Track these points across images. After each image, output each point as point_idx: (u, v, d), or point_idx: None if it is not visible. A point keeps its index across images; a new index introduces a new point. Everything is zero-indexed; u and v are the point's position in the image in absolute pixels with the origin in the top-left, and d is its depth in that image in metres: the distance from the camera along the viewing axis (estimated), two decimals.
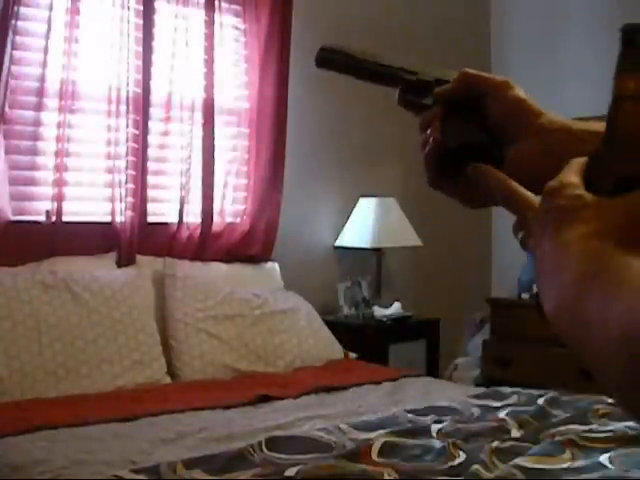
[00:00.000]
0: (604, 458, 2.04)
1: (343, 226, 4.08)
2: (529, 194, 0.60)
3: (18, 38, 3.09)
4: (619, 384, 0.45)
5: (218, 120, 3.63)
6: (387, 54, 0.77)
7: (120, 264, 3.30)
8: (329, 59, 0.77)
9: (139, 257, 3.35)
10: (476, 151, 0.69)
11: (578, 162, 0.56)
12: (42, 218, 3.17)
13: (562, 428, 2.31)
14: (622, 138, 0.53)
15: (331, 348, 3.44)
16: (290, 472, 1.91)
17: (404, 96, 0.76)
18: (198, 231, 3.56)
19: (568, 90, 4.35)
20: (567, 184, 0.54)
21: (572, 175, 0.55)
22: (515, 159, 0.70)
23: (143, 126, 3.39)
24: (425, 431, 2.28)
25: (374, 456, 2.06)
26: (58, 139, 3.19)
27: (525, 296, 4.18)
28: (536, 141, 0.70)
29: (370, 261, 4.16)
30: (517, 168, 0.68)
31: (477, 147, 0.70)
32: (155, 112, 3.46)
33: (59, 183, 3.20)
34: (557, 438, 2.20)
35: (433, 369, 3.98)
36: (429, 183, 0.73)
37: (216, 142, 3.59)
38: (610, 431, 2.24)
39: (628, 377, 0.43)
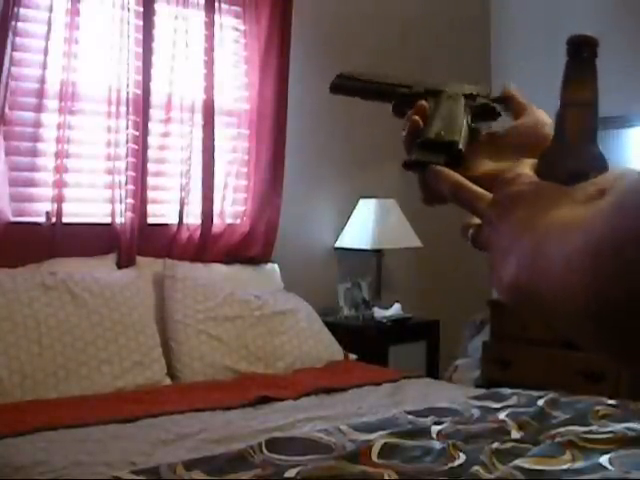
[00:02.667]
0: (604, 459, 2.04)
1: (343, 227, 4.08)
2: (478, 188, 0.62)
3: (18, 39, 3.09)
4: (585, 317, 0.44)
5: (218, 121, 3.63)
6: (396, 75, 0.81)
7: (120, 265, 3.30)
8: (343, 86, 0.81)
9: (139, 258, 3.35)
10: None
11: (529, 161, 0.60)
12: (42, 219, 3.17)
13: (562, 429, 2.31)
14: (570, 139, 0.60)
15: (331, 349, 3.44)
16: (290, 473, 1.91)
17: (398, 107, 0.80)
18: (198, 232, 3.56)
19: None
20: (522, 174, 0.58)
21: (526, 168, 0.59)
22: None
23: (143, 127, 3.39)
24: (425, 432, 2.28)
25: (374, 457, 2.06)
26: (58, 140, 3.19)
27: None
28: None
29: (370, 262, 4.16)
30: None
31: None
32: (155, 113, 3.46)
33: (59, 184, 3.20)
34: (557, 439, 2.20)
35: (433, 370, 3.98)
36: (403, 165, 0.73)
37: (216, 143, 3.60)
38: (610, 432, 2.25)
39: (593, 309, 0.43)
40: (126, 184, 3.35)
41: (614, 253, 0.41)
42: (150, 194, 3.47)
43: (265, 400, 2.74)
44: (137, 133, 3.36)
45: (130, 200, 3.35)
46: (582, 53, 0.60)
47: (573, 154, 0.59)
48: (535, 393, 2.74)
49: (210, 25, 3.58)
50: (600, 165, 0.58)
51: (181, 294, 3.23)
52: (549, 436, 2.25)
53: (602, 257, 0.42)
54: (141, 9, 3.37)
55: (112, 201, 3.33)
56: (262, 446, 2.10)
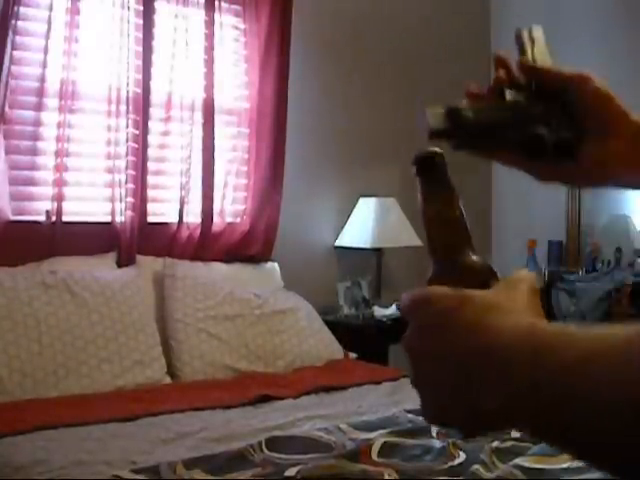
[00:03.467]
0: None
1: (343, 226, 4.08)
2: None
3: (18, 38, 3.09)
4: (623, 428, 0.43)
5: (218, 120, 3.63)
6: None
7: (120, 264, 3.30)
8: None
9: (139, 257, 3.35)
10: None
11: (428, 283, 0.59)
12: (42, 218, 3.17)
13: None
14: (439, 254, 0.61)
15: (331, 348, 3.44)
16: (290, 472, 1.92)
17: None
18: (198, 231, 3.56)
19: None
20: (435, 293, 0.55)
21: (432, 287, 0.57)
22: (600, 154, 0.69)
23: (143, 126, 3.39)
24: (425, 431, 2.28)
25: (374, 456, 2.06)
26: (58, 139, 3.19)
27: None
28: (626, 143, 0.70)
29: (370, 261, 4.16)
30: (599, 163, 0.69)
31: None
32: (155, 112, 3.46)
33: (59, 183, 3.20)
34: None
35: None
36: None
37: (216, 142, 3.59)
38: None
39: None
40: (126, 183, 3.34)
41: None
42: (150, 193, 3.47)
43: (265, 399, 2.74)
44: (137, 132, 3.36)
45: (130, 199, 3.35)
46: (430, 169, 0.60)
47: (446, 269, 0.59)
48: None
49: (210, 24, 3.58)
50: (475, 274, 0.58)
51: (181, 293, 3.23)
52: None
53: None
54: (141, 8, 3.37)
55: (112, 200, 3.33)
56: (262, 445, 2.10)
